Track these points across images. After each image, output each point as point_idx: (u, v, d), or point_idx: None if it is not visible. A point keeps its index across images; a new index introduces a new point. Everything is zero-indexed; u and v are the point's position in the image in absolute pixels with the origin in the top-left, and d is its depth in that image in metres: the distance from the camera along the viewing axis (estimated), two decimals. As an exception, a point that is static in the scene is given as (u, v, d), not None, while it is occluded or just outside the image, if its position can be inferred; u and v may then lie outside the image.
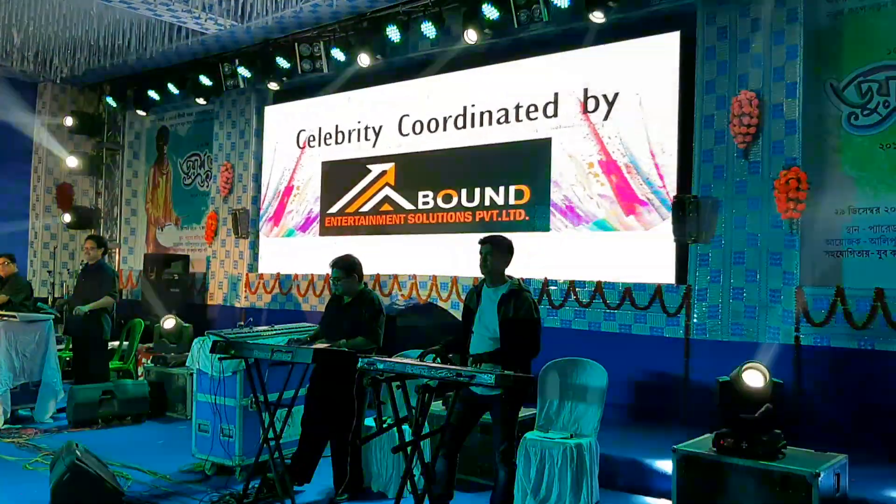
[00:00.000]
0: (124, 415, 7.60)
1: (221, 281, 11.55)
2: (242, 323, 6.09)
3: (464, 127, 9.15)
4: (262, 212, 11.33)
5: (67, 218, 12.79)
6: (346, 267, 5.48)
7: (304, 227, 10.82)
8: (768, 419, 4.70)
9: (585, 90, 8.08)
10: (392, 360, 4.35)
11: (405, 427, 4.21)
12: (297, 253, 10.84)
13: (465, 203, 9.04)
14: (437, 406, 5.05)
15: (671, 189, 7.39)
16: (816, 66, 6.77)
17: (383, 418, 5.00)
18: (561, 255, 8.05)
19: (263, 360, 4.94)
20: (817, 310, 6.44)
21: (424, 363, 4.18)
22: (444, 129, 9.33)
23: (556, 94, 8.32)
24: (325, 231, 10.56)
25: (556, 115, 8.31)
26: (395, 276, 9.45)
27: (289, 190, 11.04)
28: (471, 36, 8.27)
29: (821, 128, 6.75)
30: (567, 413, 5.34)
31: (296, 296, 10.53)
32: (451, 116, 9.26)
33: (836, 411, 6.21)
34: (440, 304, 8.94)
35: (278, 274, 10.82)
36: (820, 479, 4.32)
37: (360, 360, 4.37)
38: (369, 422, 5.48)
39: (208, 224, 11.70)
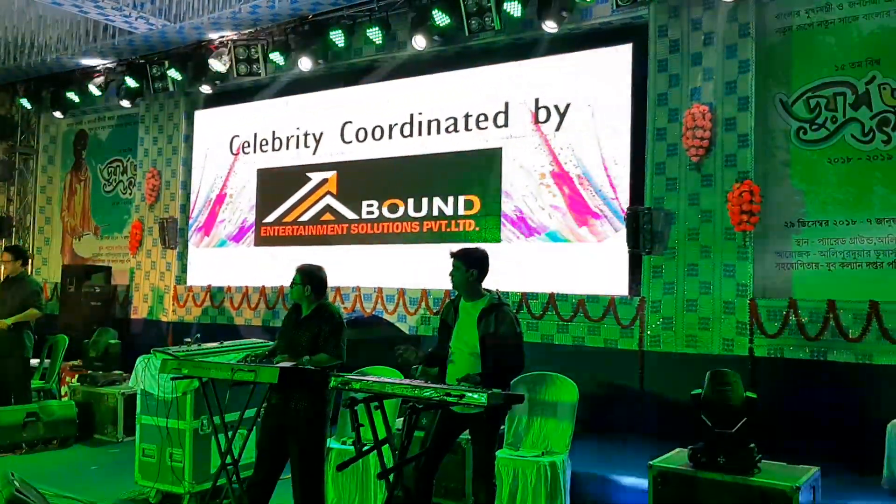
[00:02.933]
0: (50, 438, 7.04)
1: (147, 294, 10.94)
2: (189, 340, 5.68)
3: (410, 135, 8.95)
4: (191, 221, 10.81)
5: (-25, 226, 11.92)
6: (304, 273, 5.09)
7: (238, 237, 10.37)
8: (744, 433, 4.68)
9: (537, 100, 8.02)
10: (369, 378, 4.11)
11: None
12: (229, 264, 10.38)
13: (412, 213, 8.84)
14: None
15: (624, 201, 7.39)
16: (766, 81, 6.90)
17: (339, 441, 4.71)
18: (512, 267, 7.92)
19: (222, 380, 4.59)
20: (770, 321, 6.53)
21: (405, 382, 3.96)
22: (390, 137, 9.11)
23: (506, 104, 8.23)
24: (260, 241, 10.14)
25: (506, 124, 8.22)
26: (338, 289, 9.13)
27: (221, 198, 10.57)
28: (419, 42, 8.10)
29: (771, 142, 6.88)
30: (536, 429, 5.22)
31: (229, 309, 10.06)
32: (397, 124, 9.05)
33: (791, 422, 6.29)
34: (386, 316, 8.69)
35: (209, 286, 10.33)
36: (800, 493, 4.31)
37: (331, 378, 4.11)
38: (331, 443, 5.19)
39: (132, 234, 11.07)
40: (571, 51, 7.83)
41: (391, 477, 3.77)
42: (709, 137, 6.89)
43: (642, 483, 5.19)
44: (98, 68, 10.92)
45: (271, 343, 5.84)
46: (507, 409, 4.21)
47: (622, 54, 7.55)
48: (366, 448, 3.91)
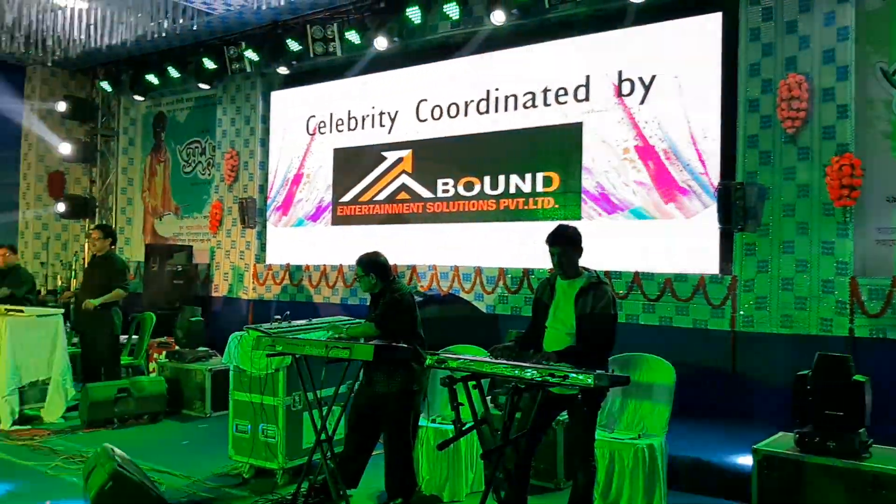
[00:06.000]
0: (141, 413, 7.21)
1: (227, 272, 11.14)
2: (279, 317, 5.71)
3: (487, 112, 8.82)
4: (269, 201, 10.93)
5: (61, 207, 12.28)
6: (363, 266, 5.05)
7: (315, 217, 10.43)
8: (854, 417, 4.46)
9: (620, 73, 7.79)
10: (466, 357, 4.04)
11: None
12: (307, 243, 10.46)
13: (488, 191, 8.73)
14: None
15: (713, 176, 7.13)
16: (866, 49, 6.53)
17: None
18: (593, 245, 7.71)
19: (316, 357, 4.59)
20: (872, 301, 6.22)
21: (505, 361, 3.86)
22: (466, 115, 9.00)
23: (587, 77, 8.02)
24: (337, 220, 10.18)
25: (587, 98, 8.01)
26: (414, 267, 9.12)
27: (298, 178, 10.64)
28: (497, 17, 7.93)
29: (871, 112, 6.52)
30: (631, 411, 5.08)
31: (307, 287, 10.16)
32: (473, 101, 8.93)
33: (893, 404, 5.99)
34: (463, 295, 8.63)
35: (288, 265, 10.45)
36: (917, 479, 4.08)
37: (429, 357, 4.06)
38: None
39: (212, 213, 11.27)
40: (657, 21, 7.57)
41: (492, 458, 3.70)
42: (805, 108, 6.58)
43: (743, 466, 5.04)
44: (176, 50, 11.08)
45: (358, 321, 5.86)
46: (607, 390, 4.08)
47: (712, 23, 7.26)
48: (465, 427, 3.84)
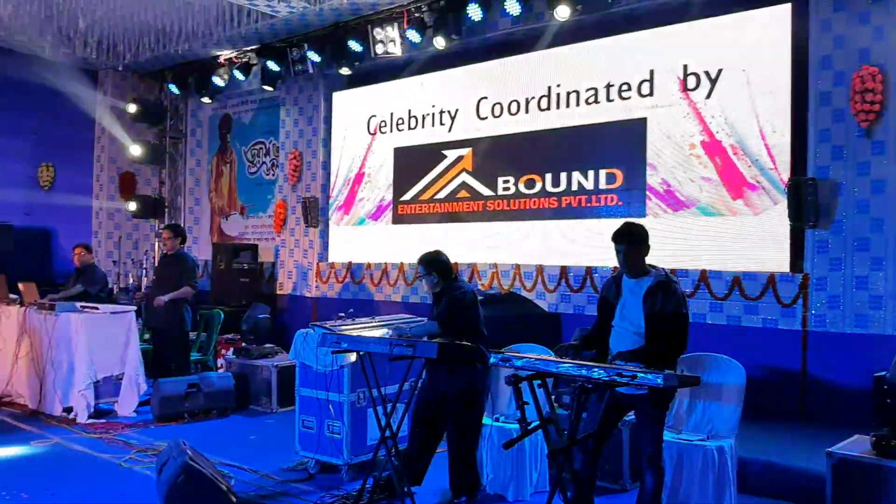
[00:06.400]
0: (210, 409, 7.38)
1: (291, 270, 11.33)
2: (343, 314, 5.79)
3: (548, 108, 8.76)
4: (331, 200, 11.07)
5: (133, 206, 12.68)
6: (424, 265, 5.08)
7: (376, 216, 10.53)
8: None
9: (685, 67, 7.64)
10: (531, 355, 4.02)
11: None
12: (368, 241, 10.57)
13: (550, 188, 8.67)
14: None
15: (783, 171, 6.94)
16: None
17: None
18: (659, 242, 7.60)
19: (381, 355, 4.62)
20: (954, 300, 5.97)
21: (571, 361, 3.83)
22: (527, 112, 8.95)
23: (651, 72, 7.90)
24: (398, 219, 10.25)
25: (651, 93, 7.89)
26: (474, 266, 9.12)
27: (359, 177, 10.75)
28: (562, 12, 7.85)
29: (948, 105, 6.26)
30: (699, 412, 4.97)
31: (368, 285, 10.26)
32: (533, 98, 8.88)
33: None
34: (524, 293, 8.59)
35: (350, 263, 10.57)
36: None
37: (493, 355, 4.05)
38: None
39: (277, 213, 11.48)
40: (723, 13, 7.41)
41: (559, 458, 3.66)
42: (880, 101, 6.36)
43: (816, 470, 4.89)
44: (241, 53, 11.31)
45: (420, 319, 5.89)
46: (675, 391, 4.01)
47: (781, 14, 7.06)
48: (531, 426, 3.82)
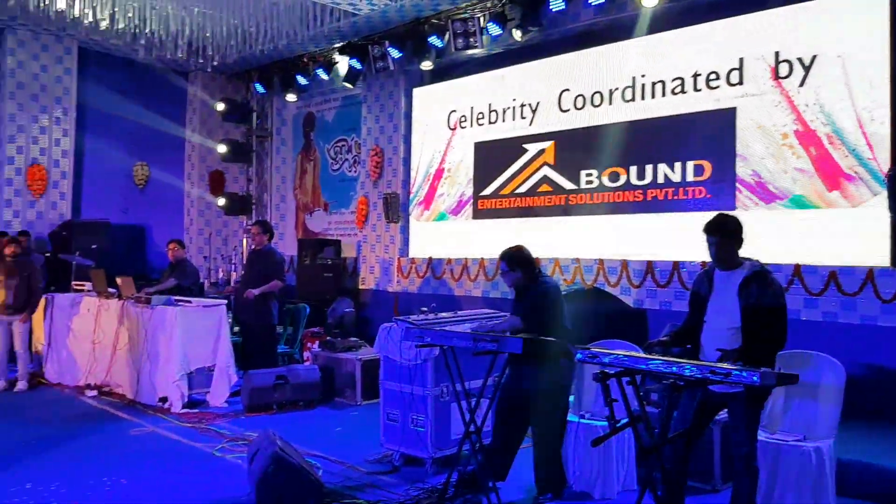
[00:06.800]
0: (297, 400, 7.54)
1: (373, 265, 11.48)
2: (426, 309, 5.82)
3: (633, 99, 8.58)
4: (412, 195, 11.16)
5: (222, 203, 13.09)
6: (506, 261, 5.03)
7: (457, 211, 10.55)
8: None
9: (777, 54, 7.36)
10: (619, 351, 3.94)
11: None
12: (449, 237, 10.60)
13: (634, 181, 8.50)
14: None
15: (883, 161, 6.61)
16: None
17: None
18: (750, 236, 7.35)
19: (464, 349, 4.63)
20: None
21: (661, 357, 3.73)
22: (611, 103, 8.80)
23: (741, 60, 7.63)
24: (478, 214, 10.25)
25: (741, 82, 7.63)
26: (557, 260, 9.02)
27: (440, 173, 10.79)
28: (647, 1, 7.69)
29: None
30: (795, 412, 4.78)
31: (449, 281, 10.29)
32: (617, 88, 8.71)
33: None
34: (608, 289, 8.45)
35: (430, 258, 10.62)
36: None
37: (579, 352, 3.98)
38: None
39: (359, 209, 11.65)
40: (818, -3, 7.09)
41: (649, 457, 3.58)
42: None
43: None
44: (324, 52, 11.51)
45: (502, 314, 5.87)
46: (772, 389, 3.86)
47: (880, -3, 6.71)
48: (619, 424, 3.74)
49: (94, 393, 8.07)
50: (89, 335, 8.37)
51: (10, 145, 11.20)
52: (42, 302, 8.87)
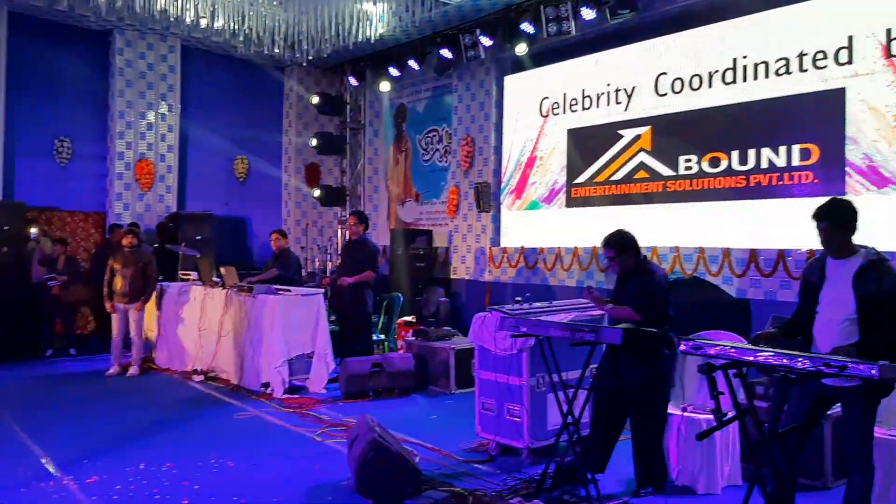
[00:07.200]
0: (392, 388, 7.65)
1: (464, 255, 11.51)
2: (520, 298, 5.79)
3: (733, 82, 8.28)
4: (503, 184, 11.12)
5: (317, 194, 13.40)
6: (616, 245, 4.92)
7: (549, 199, 10.45)
8: None
9: (888, 31, 6.95)
10: (726, 342, 3.81)
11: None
12: (541, 225, 10.52)
13: (736, 166, 8.20)
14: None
15: None
16: None
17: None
18: (862, 223, 6.99)
19: (561, 339, 4.57)
20: None
21: (771, 350, 3.58)
22: (710, 86, 8.51)
23: (849, 38, 7.26)
24: (571, 202, 10.12)
25: (850, 61, 7.25)
26: (654, 249, 8.80)
27: (531, 161, 10.71)
28: (748, -22, 7.39)
29: None
30: (916, 407, 4.50)
31: (542, 270, 10.21)
32: (717, 71, 8.42)
33: None
34: (709, 278, 8.19)
35: (522, 248, 10.56)
36: None
37: (682, 342, 3.87)
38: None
39: (450, 199, 11.70)
40: (939, -34, 6.65)
41: (758, 452, 3.46)
42: None
43: None
44: (415, 43, 11.57)
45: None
46: (893, 385, 3.65)
47: None
48: (726, 418, 3.62)
49: (201, 378, 8.42)
50: (196, 323, 8.73)
51: (120, 141, 11.77)
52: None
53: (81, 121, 11.67)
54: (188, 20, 10.62)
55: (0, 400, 7.38)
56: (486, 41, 10.30)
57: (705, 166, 8.48)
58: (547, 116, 10.51)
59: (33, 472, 5.18)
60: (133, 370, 8.81)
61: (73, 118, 11.59)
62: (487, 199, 11.04)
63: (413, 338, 8.51)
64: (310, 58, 12.23)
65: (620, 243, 4.89)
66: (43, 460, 5.44)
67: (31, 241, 10.28)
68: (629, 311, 4.72)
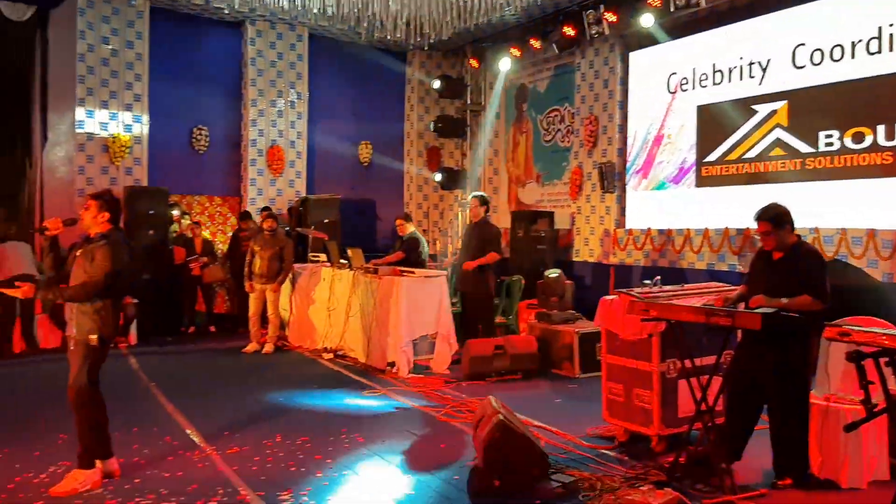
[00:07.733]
0: (514, 370, 7.66)
1: (587, 237, 11.33)
2: (649, 281, 5.64)
3: (879, 52, 7.71)
4: (628, 164, 10.84)
5: (438, 177, 13.52)
6: (774, 219, 4.68)
7: (677, 179, 10.10)
8: None
9: None
10: (876, 329, 3.57)
11: None
12: (669, 206, 10.19)
13: (882, 142, 7.65)
14: None
15: None
16: None
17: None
18: None
19: (693, 324, 4.42)
20: None
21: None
22: (853, 57, 7.96)
23: None
24: (701, 182, 9.74)
25: None
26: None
27: (658, 139, 10.38)
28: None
29: None
30: None
31: (670, 252, 9.90)
32: (861, 40, 7.87)
33: None
34: (852, 261, 7.71)
35: (649, 229, 10.28)
36: None
37: (829, 327, 3.65)
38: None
39: (572, 179, 11.53)
40: None
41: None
42: None
43: None
44: (537, 22, 11.42)
45: (732, 287, 5.53)
46: None
47: None
48: (877, 409, 3.40)
49: (331, 356, 8.72)
50: (325, 303, 9.03)
51: (253, 129, 12.28)
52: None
53: (217, 110, 12.26)
54: (315, 9, 10.92)
55: (148, 375, 7.90)
56: (611, 17, 10.04)
57: (848, 142, 7.95)
58: (675, 93, 10.14)
59: (181, 442, 5.52)
60: (268, 347, 9.22)
61: (210, 107, 12.18)
62: (612, 179, 10.80)
63: (536, 320, 8.47)
64: (431, 41, 12.32)
65: (778, 217, 4.65)
66: (188, 431, 5.79)
67: (174, 224, 10.92)
68: (808, 300, 4.40)
